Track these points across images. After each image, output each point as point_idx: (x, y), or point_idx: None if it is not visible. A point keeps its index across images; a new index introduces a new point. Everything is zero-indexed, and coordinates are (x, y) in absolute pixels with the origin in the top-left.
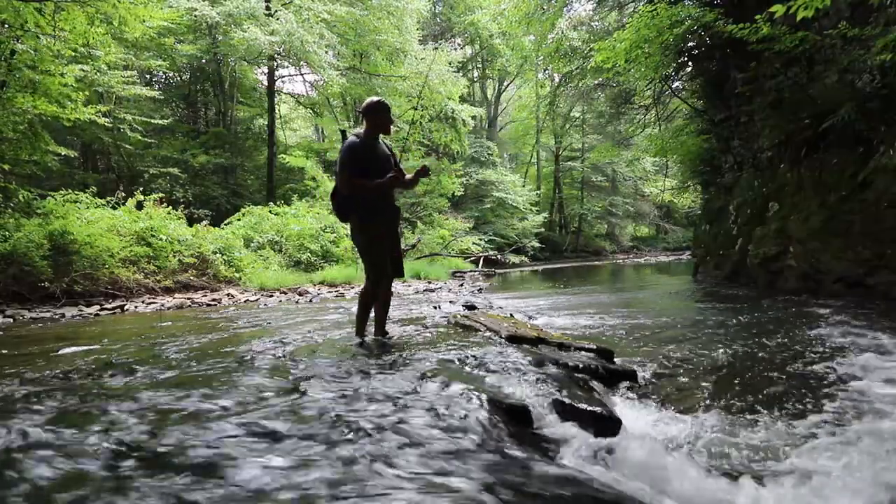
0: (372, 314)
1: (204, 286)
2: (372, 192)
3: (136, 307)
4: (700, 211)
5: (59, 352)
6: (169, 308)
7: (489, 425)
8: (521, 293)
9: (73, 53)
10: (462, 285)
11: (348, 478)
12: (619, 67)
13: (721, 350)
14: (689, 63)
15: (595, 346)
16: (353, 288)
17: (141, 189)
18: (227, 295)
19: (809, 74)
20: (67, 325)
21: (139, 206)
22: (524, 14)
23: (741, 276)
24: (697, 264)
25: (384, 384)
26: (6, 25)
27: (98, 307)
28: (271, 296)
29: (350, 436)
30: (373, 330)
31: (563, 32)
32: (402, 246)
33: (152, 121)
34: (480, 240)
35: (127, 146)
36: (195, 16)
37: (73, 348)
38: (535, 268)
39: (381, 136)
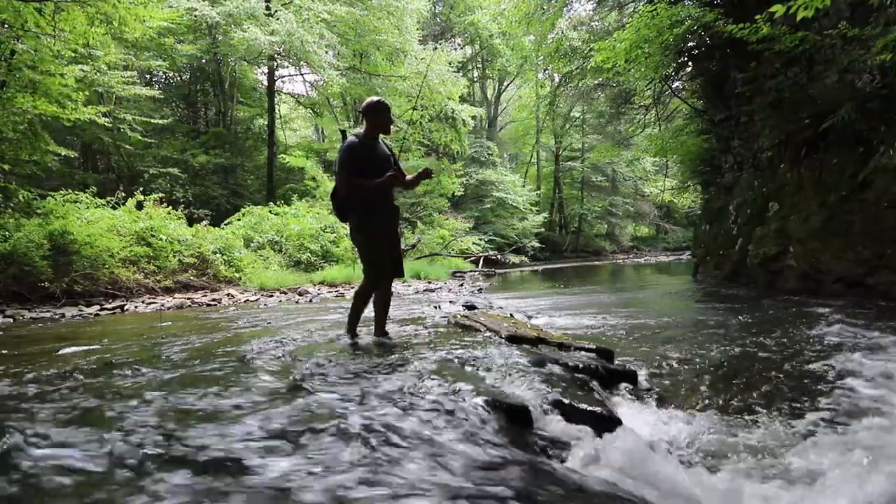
0: (370, 314)
1: (204, 286)
2: (371, 192)
3: (136, 307)
4: (700, 211)
5: (60, 352)
6: (169, 308)
7: (489, 426)
8: (521, 293)
9: (73, 54)
10: (462, 285)
11: (352, 479)
12: (619, 67)
13: (721, 350)
14: (689, 63)
15: (595, 346)
16: (353, 288)
17: (141, 189)
18: (227, 295)
19: (809, 74)
20: (67, 325)
21: (139, 206)
22: (524, 14)
23: (741, 276)
24: (697, 264)
25: (385, 385)
26: (6, 25)
27: (98, 307)
28: (271, 296)
29: (355, 437)
30: (372, 330)
31: (563, 32)
32: (402, 246)
33: (152, 121)
34: (480, 240)
35: (127, 146)
36: (195, 16)
37: (74, 348)
38: (535, 268)
39: (381, 135)
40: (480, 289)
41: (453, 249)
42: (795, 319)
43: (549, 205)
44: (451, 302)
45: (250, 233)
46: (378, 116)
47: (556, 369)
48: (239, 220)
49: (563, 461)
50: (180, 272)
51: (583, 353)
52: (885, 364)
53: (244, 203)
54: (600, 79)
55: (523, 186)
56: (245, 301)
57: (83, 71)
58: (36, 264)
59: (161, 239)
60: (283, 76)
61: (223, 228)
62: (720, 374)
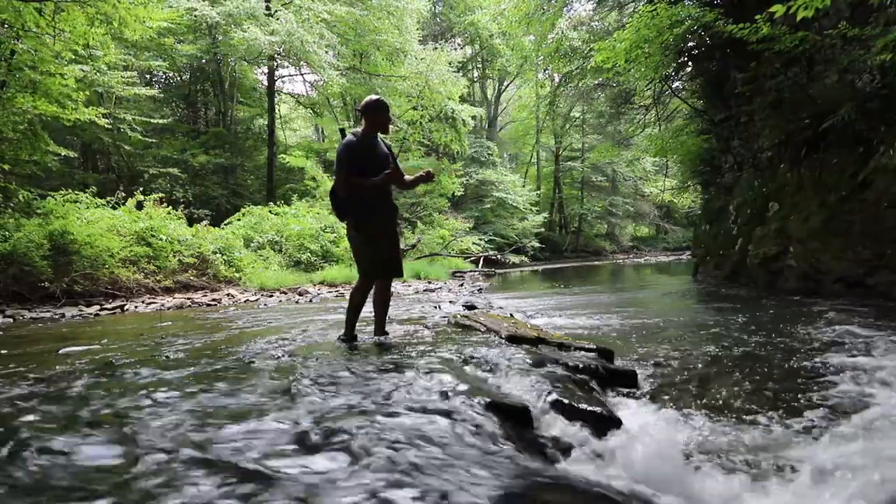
0: (370, 314)
1: (204, 286)
2: (369, 191)
3: (136, 307)
4: (700, 211)
5: (60, 352)
6: (169, 308)
7: (489, 426)
8: (521, 293)
9: (73, 56)
10: (462, 285)
11: (348, 478)
12: (619, 67)
13: (721, 350)
14: (689, 63)
15: (595, 346)
16: (352, 287)
17: (141, 189)
18: (227, 295)
19: (809, 74)
20: (67, 325)
21: (139, 206)
22: (524, 14)
23: (741, 276)
24: (697, 264)
25: (384, 385)
26: (6, 25)
27: (98, 307)
28: (271, 296)
29: (353, 437)
30: (372, 330)
31: (563, 32)
32: (402, 246)
33: (152, 120)
34: (480, 240)
35: (127, 146)
36: (195, 16)
37: (74, 348)
38: (535, 268)
39: (380, 135)
40: (480, 289)
41: (453, 249)
42: (795, 319)
43: (549, 205)
44: (451, 302)
45: (250, 233)
46: (377, 115)
47: (556, 369)
48: (239, 220)
49: (562, 461)
50: (180, 272)
51: (583, 353)
52: (885, 363)
53: (244, 203)
54: (600, 79)
55: (523, 186)
56: (245, 301)
57: (83, 71)
58: (36, 264)
59: (161, 239)
60: (283, 76)
61: (223, 228)
62: (720, 373)
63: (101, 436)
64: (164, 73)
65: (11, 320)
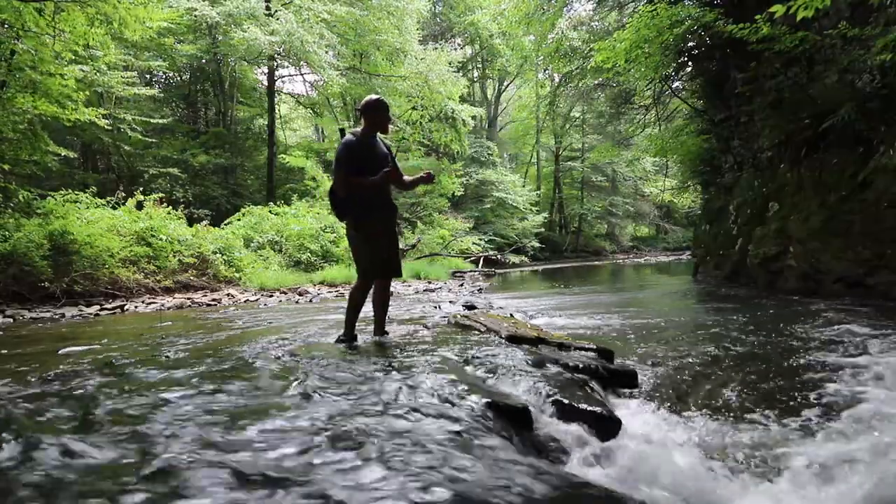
0: (370, 314)
1: (204, 286)
2: (368, 190)
3: (136, 307)
4: (700, 211)
5: (60, 352)
6: (169, 308)
7: (489, 426)
8: (521, 293)
9: (73, 56)
10: (462, 285)
11: (345, 478)
12: (619, 67)
13: (721, 350)
14: (689, 63)
15: (595, 347)
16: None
17: (141, 189)
18: (227, 295)
19: (809, 74)
20: (68, 325)
21: (139, 206)
22: (524, 14)
23: (741, 276)
24: (697, 264)
25: (384, 385)
26: (6, 25)
27: (98, 307)
28: (271, 296)
29: (352, 437)
30: (372, 330)
31: (563, 32)
32: (402, 246)
33: (152, 120)
34: (480, 240)
35: (127, 146)
36: (195, 16)
37: (75, 348)
38: (535, 268)
39: (380, 134)
40: (480, 289)
41: (453, 249)
42: (795, 319)
43: (549, 205)
44: (451, 302)
45: (250, 233)
46: (376, 115)
47: (556, 369)
48: (239, 220)
49: (562, 461)
50: (180, 272)
51: (583, 353)
52: (883, 362)
53: (244, 203)
54: (600, 79)
55: (523, 186)
56: (245, 301)
57: (83, 71)
58: (36, 264)
59: (161, 239)
60: (283, 76)
61: (223, 228)
62: (720, 373)
63: (110, 436)
64: (164, 73)
65: (11, 320)
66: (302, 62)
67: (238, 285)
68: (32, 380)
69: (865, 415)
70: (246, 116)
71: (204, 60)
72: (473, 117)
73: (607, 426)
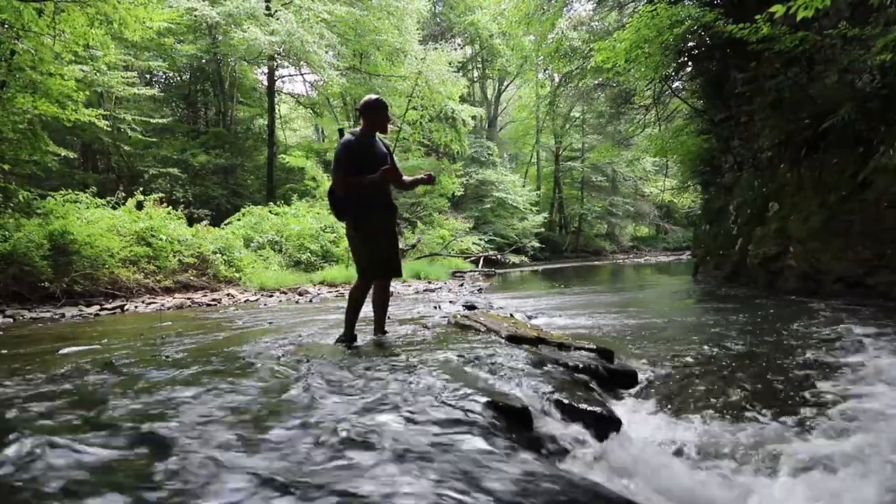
0: (370, 314)
1: (204, 286)
2: (367, 189)
3: (136, 307)
4: (700, 211)
5: (61, 352)
6: (169, 308)
7: (489, 426)
8: (521, 293)
9: (73, 57)
10: (462, 285)
11: (343, 478)
12: (619, 67)
13: (720, 349)
14: (689, 63)
15: (595, 347)
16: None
17: (141, 189)
18: (227, 295)
19: (809, 74)
20: (68, 325)
21: (139, 206)
22: (524, 14)
23: (741, 276)
24: (697, 264)
25: (383, 385)
26: (6, 25)
27: (98, 307)
28: (271, 296)
29: (350, 437)
30: (372, 330)
31: (563, 32)
32: (402, 246)
33: (152, 120)
34: (480, 240)
35: (126, 146)
36: (195, 16)
37: (75, 348)
38: (535, 268)
39: (379, 134)
40: (480, 289)
41: (453, 249)
42: (795, 319)
43: (549, 205)
44: (451, 302)
45: (250, 233)
46: (375, 115)
47: (556, 369)
48: (239, 220)
49: (562, 462)
50: (180, 272)
51: (583, 353)
52: (882, 362)
53: (244, 203)
54: (600, 79)
55: (523, 186)
56: (245, 301)
57: (83, 71)
58: (36, 264)
59: (161, 239)
60: (283, 76)
61: (223, 228)
62: (720, 373)
63: (118, 436)
64: (164, 73)
65: (11, 320)
66: (302, 62)
67: (238, 285)
68: (34, 380)
69: (864, 414)
70: (246, 116)
71: (204, 60)
72: (473, 117)
73: (607, 426)
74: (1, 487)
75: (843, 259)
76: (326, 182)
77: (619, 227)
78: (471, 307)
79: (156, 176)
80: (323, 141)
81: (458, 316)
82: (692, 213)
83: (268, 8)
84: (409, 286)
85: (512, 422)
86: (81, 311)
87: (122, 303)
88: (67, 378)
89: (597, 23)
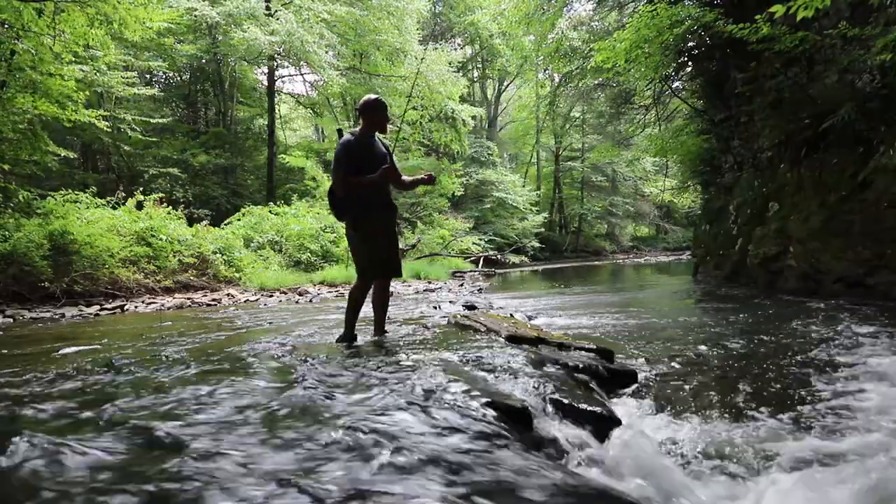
0: (370, 314)
1: (204, 286)
2: (367, 188)
3: (136, 307)
4: (700, 211)
5: (61, 352)
6: (169, 308)
7: (489, 427)
8: (521, 293)
9: (73, 58)
10: (462, 285)
11: (342, 478)
12: (619, 67)
13: (720, 350)
14: (689, 63)
15: (595, 347)
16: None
17: (141, 189)
18: (228, 295)
19: (809, 74)
20: (68, 325)
21: (139, 206)
22: (524, 14)
23: (741, 276)
24: (697, 264)
25: (383, 385)
26: (6, 25)
27: (98, 307)
28: (271, 296)
29: (349, 436)
30: (372, 330)
31: (563, 32)
32: (402, 246)
33: (152, 120)
34: (480, 240)
35: (126, 146)
36: (195, 16)
37: (75, 348)
38: (535, 268)
39: (378, 134)
40: (480, 289)
41: (453, 249)
42: (795, 319)
43: (549, 205)
44: (451, 302)
45: (250, 233)
46: (374, 115)
47: (556, 369)
48: (239, 220)
49: (562, 461)
50: (180, 272)
51: (583, 353)
52: (881, 362)
53: (244, 203)
54: (600, 79)
55: (523, 186)
56: (245, 301)
57: (83, 71)
58: (36, 264)
59: (161, 239)
60: (283, 76)
61: (223, 228)
62: (720, 373)
63: (122, 436)
64: (164, 73)
65: (11, 320)
66: (302, 62)
67: (238, 285)
68: (35, 380)
69: (863, 413)
70: (246, 116)
71: (204, 60)
72: (473, 117)
73: (607, 426)
74: (7, 488)
75: (843, 259)
76: (326, 182)
77: (619, 227)
78: (471, 307)
79: (156, 176)
80: (323, 141)
81: (458, 316)
82: (692, 213)
83: (268, 8)
84: (409, 286)
85: (512, 421)
86: (81, 311)
87: (122, 303)
88: (68, 378)
89: (597, 23)
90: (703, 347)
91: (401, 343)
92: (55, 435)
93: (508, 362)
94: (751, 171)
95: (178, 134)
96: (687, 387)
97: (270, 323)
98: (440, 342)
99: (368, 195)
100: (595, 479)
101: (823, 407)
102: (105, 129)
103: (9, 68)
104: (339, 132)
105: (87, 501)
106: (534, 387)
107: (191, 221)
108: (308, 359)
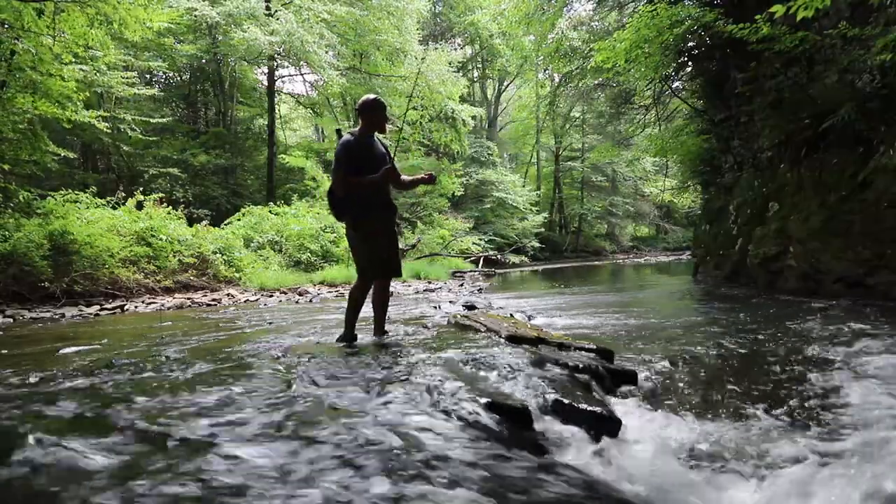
0: (370, 314)
1: (204, 286)
2: (368, 188)
3: (136, 307)
4: (700, 211)
5: (61, 352)
6: (169, 308)
7: (489, 427)
8: (521, 293)
9: (73, 59)
10: (462, 285)
11: (343, 479)
12: (619, 67)
13: (720, 350)
14: (689, 63)
15: (595, 347)
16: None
17: (141, 189)
18: (227, 295)
19: (809, 74)
20: (68, 325)
21: (139, 206)
22: (524, 14)
23: (741, 276)
24: (697, 264)
25: (383, 385)
26: (6, 25)
27: (98, 307)
28: (271, 296)
29: (349, 436)
30: (372, 330)
31: (563, 32)
32: (402, 246)
33: (152, 120)
34: (480, 240)
35: (126, 146)
36: (195, 16)
37: (75, 348)
38: (535, 268)
39: (378, 134)
40: (480, 289)
41: (453, 249)
42: (794, 319)
43: (549, 205)
44: (451, 302)
45: (250, 233)
46: (373, 115)
47: (556, 369)
48: (239, 220)
49: (562, 461)
50: (180, 272)
51: (583, 353)
52: (881, 362)
53: (244, 203)
54: (600, 79)
55: (523, 186)
56: (245, 301)
57: (83, 71)
58: (36, 264)
59: (161, 239)
60: (283, 76)
61: (223, 228)
62: (720, 373)
63: (126, 436)
64: (164, 73)
65: (11, 320)
66: (302, 62)
67: (238, 285)
68: (35, 380)
69: (862, 413)
70: (246, 116)
71: (204, 60)
72: (473, 117)
73: (607, 426)
74: (11, 489)
75: (843, 259)
76: (326, 182)
77: (619, 227)
78: (471, 307)
79: (156, 176)
80: (323, 141)
81: (458, 316)
82: (692, 213)
83: (268, 8)
84: (409, 286)
85: (512, 421)
86: (81, 311)
87: (122, 303)
88: (70, 378)
89: (597, 23)
90: (703, 347)
91: (401, 343)
92: (61, 436)
93: (508, 362)
94: (751, 171)
95: (178, 134)
96: (687, 387)
97: (270, 323)
98: (440, 342)
99: (368, 195)
100: (595, 479)
101: (822, 406)
102: (105, 129)
103: (9, 68)
104: (338, 132)
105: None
106: (534, 387)
107: (191, 221)
108: (308, 359)
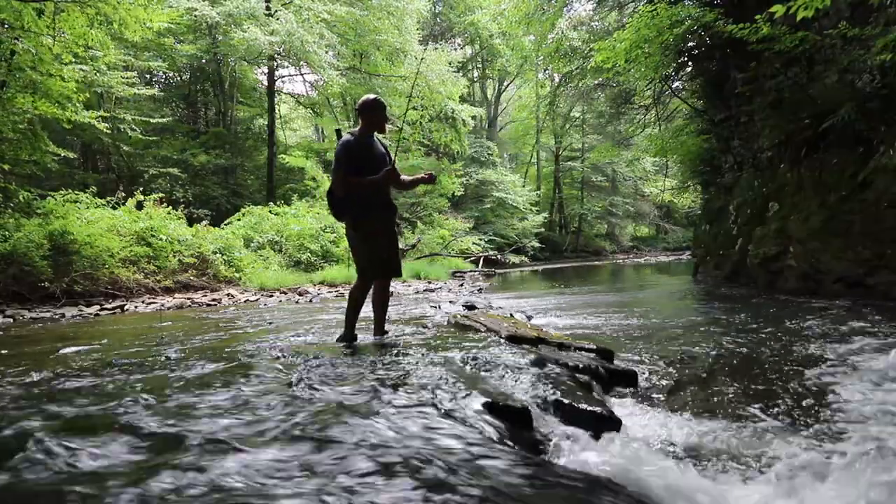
0: (370, 314)
1: (204, 286)
2: (367, 189)
3: (136, 307)
4: (700, 211)
5: (61, 352)
6: (169, 308)
7: (489, 426)
8: (521, 293)
9: (73, 59)
10: (462, 285)
11: (342, 478)
12: (619, 67)
13: (720, 350)
14: (689, 63)
15: (595, 347)
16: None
17: (141, 189)
18: (227, 295)
19: (809, 74)
20: (68, 325)
21: (139, 206)
22: (524, 14)
23: (741, 276)
24: (697, 264)
25: (383, 385)
26: (6, 25)
27: (98, 307)
28: (271, 296)
29: (349, 436)
30: (372, 330)
31: (563, 32)
32: (402, 246)
33: (152, 120)
34: (480, 240)
35: (126, 146)
36: (195, 16)
37: (75, 348)
38: (535, 268)
39: (377, 134)
40: (480, 289)
41: (453, 249)
42: (794, 319)
43: (549, 205)
44: (450, 302)
45: (250, 233)
46: (373, 115)
47: (556, 369)
48: (239, 220)
49: (562, 461)
50: (180, 272)
51: (583, 353)
52: (880, 362)
53: (244, 203)
54: (600, 79)
55: (523, 186)
56: (245, 301)
57: (83, 71)
58: (36, 264)
59: (161, 239)
60: (283, 76)
61: (223, 228)
62: (719, 373)
63: (129, 437)
64: (164, 73)
65: (11, 320)
66: (302, 62)
67: (238, 285)
68: (34, 380)
69: (861, 413)
70: (246, 116)
71: (204, 60)
72: (473, 117)
73: (607, 426)
74: (15, 490)
75: (843, 259)
76: (326, 182)
77: (619, 227)
78: (471, 307)
79: (156, 176)
80: (323, 141)
81: (458, 316)
82: (692, 213)
83: (268, 8)
84: (409, 286)
85: (512, 421)
86: (81, 311)
87: (122, 303)
88: (70, 378)
89: (597, 23)
90: (703, 348)
91: (401, 343)
92: (63, 436)
93: (508, 362)
94: (751, 171)
95: (178, 134)
96: (686, 387)
97: (270, 323)
98: (440, 342)
99: (368, 195)
100: (595, 479)
101: (822, 406)
102: (105, 129)
103: (9, 68)
104: (338, 132)
105: (97, 501)
106: (534, 387)
107: (191, 221)
108: (308, 359)
